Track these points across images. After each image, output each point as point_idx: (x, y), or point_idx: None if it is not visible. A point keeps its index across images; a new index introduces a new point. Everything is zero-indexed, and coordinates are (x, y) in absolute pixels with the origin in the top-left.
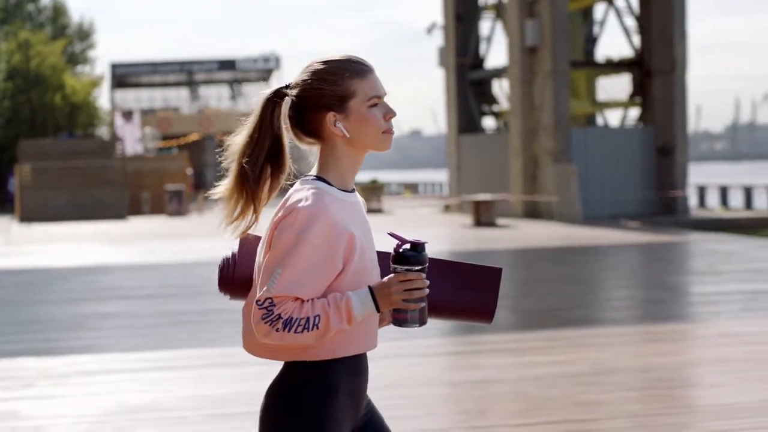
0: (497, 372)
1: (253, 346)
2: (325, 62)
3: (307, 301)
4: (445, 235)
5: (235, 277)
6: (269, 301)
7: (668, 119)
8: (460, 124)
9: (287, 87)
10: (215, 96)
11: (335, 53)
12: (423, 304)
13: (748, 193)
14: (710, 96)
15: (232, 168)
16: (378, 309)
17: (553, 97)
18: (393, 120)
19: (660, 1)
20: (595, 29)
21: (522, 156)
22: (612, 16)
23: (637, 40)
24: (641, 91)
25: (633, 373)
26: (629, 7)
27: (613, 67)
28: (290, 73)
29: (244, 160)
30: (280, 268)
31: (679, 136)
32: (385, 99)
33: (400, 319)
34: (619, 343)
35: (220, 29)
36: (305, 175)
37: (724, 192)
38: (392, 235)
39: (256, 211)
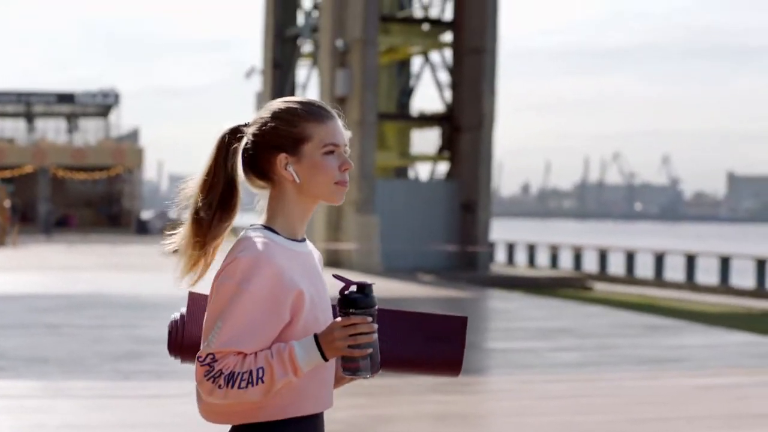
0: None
1: (205, 410)
2: (285, 102)
3: (251, 354)
4: None
5: (184, 339)
6: (211, 356)
7: (473, 175)
8: None
9: (246, 125)
10: (53, 129)
11: (298, 96)
12: (370, 350)
13: (555, 252)
14: (561, 153)
15: (187, 216)
16: (324, 357)
17: (359, 148)
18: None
19: (472, 58)
20: (412, 82)
21: (328, 205)
22: (428, 71)
23: (449, 95)
24: (450, 146)
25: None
26: (444, 61)
27: (425, 120)
28: (129, 109)
29: (198, 206)
30: (220, 322)
31: (482, 192)
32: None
33: (349, 368)
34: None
35: (66, 60)
36: (252, 224)
37: (531, 250)
38: (337, 277)
39: (206, 260)
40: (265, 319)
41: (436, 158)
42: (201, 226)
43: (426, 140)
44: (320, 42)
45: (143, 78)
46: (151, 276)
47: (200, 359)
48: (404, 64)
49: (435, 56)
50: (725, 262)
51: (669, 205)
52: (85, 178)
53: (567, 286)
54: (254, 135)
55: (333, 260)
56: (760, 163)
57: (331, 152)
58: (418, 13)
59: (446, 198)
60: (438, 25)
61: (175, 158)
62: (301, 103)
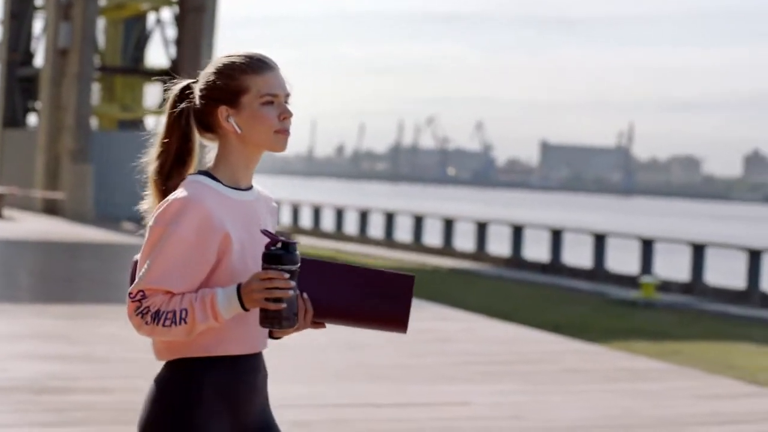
0: None
1: (154, 350)
2: (227, 56)
3: (178, 294)
4: None
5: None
6: (141, 293)
7: None
8: (5, 119)
9: (195, 82)
10: None
11: (241, 50)
12: (284, 305)
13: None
14: (375, 116)
15: (150, 186)
16: (244, 307)
17: (76, 99)
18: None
19: (193, 15)
20: (145, 37)
21: (46, 153)
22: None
23: (174, 50)
24: None
25: None
26: (174, 18)
27: (151, 75)
28: None
29: (154, 178)
30: (150, 261)
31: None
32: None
33: (262, 318)
34: None
35: None
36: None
37: None
38: (264, 232)
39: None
40: (191, 260)
41: (159, 112)
42: (158, 186)
43: (154, 95)
44: None
45: None
46: None
47: (131, 295)
48: (140, 19)
49: (167, 13)
50: (419, 221)
51: (482, 171)
52: None
53: None
54: (200, 90)
55: (49, 208)
56: (573, 133)
57: (270, 102)
58: None
59: None
60: None
61: None
62: (241, 56)
